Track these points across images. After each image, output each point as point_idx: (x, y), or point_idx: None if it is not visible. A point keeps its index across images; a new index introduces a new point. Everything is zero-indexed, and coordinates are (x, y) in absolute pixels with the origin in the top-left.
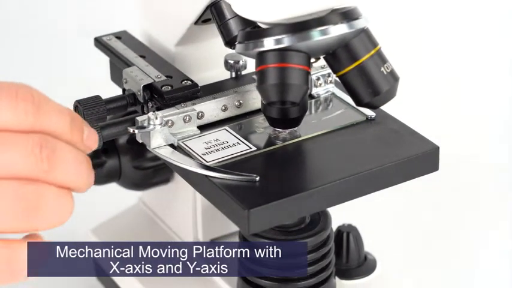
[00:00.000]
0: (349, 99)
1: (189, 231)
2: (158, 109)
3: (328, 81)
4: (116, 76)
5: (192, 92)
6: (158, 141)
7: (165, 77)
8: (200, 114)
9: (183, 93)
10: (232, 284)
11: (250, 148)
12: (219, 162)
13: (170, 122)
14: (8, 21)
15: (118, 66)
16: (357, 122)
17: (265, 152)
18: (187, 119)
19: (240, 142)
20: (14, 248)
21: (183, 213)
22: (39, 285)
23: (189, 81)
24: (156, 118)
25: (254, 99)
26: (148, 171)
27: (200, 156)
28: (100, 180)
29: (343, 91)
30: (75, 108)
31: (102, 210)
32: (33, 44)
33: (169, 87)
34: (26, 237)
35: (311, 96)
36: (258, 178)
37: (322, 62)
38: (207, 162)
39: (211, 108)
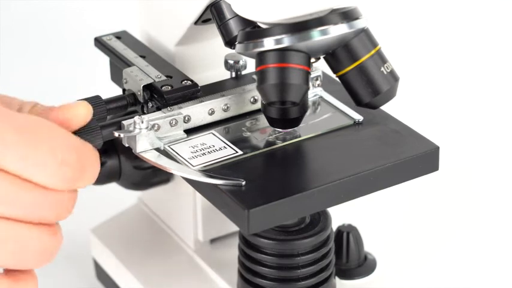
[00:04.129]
0: (337, 102)
1: (189, 231)
2: (158, 109)
3: (316, 85)
4: (116, 76)
5: (192, 92)
6: (144, 145)
7: (165, 77)
8: (187, 118)
9: (183, 93)
10: (232, 284)
11: (237, 152)
12: (205, 166)
13: (156, 125)
14: (8, 22)
15: (118, 66)
16: (343, 126)
17: (259, 153)
18: (173, 123)
19: (226, 146)
20: None
21: (183, 213)
22: (39, 285)
23: (189, 81)
24: (142, 122)
25: (242, 103)
26: (148, 171)
27: (186, 161)
28: (100, 180)
29: (331, 95)
30: None
31: (102, 210)
32: (33, 44)
33: (169, 87)
34: None
35: None
36: (244, 182)
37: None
38: (193, 166)
39: (198, 112)
